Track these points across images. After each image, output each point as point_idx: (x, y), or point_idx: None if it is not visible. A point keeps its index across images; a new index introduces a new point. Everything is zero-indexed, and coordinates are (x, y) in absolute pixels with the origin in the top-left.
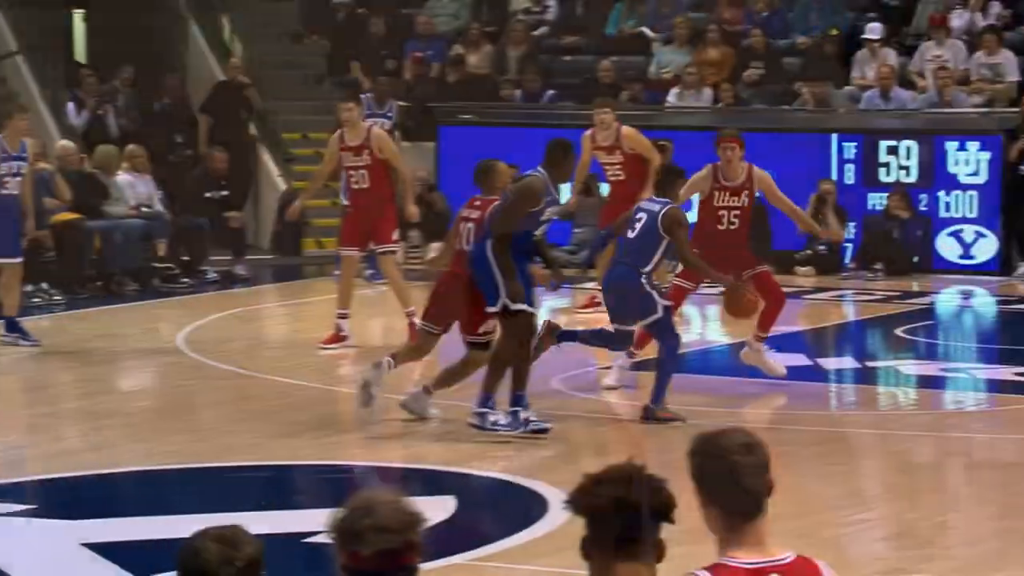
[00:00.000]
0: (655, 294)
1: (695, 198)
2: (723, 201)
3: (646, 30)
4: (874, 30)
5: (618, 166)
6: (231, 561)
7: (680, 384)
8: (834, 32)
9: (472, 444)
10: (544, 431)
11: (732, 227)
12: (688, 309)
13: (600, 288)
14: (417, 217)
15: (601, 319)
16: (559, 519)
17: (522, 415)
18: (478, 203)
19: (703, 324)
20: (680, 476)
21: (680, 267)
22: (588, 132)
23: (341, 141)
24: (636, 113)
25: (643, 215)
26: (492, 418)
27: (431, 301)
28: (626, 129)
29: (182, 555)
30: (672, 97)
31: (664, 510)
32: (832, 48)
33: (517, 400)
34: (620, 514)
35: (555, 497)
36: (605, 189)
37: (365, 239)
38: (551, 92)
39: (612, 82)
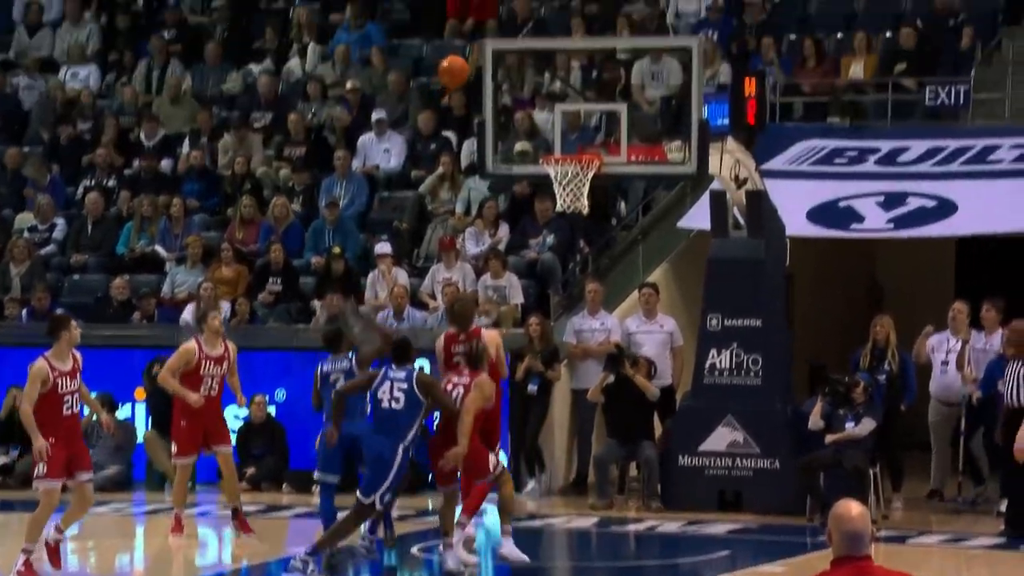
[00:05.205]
0: None
1: None
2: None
3: (159, 249)
4: (384, 248)
5: None
6: None
7: None
8: (337, 251)
9: None
10: None
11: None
12: None
13: None
14: None
15: None
16: None
17: None
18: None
19: None
20: None
21: None
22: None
23: None
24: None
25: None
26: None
27: None
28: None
29: None
30: (187, 314)
31: None
32: (340, 266)
33: None
34: None
35: None
36: None
37: None
38: (60, 310)
39: (126, 300)
